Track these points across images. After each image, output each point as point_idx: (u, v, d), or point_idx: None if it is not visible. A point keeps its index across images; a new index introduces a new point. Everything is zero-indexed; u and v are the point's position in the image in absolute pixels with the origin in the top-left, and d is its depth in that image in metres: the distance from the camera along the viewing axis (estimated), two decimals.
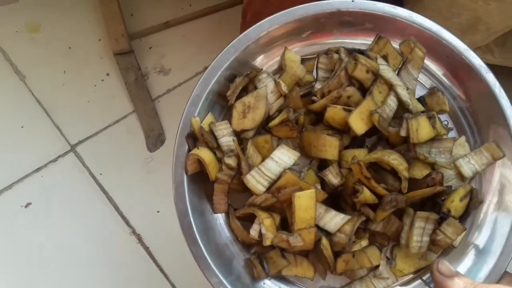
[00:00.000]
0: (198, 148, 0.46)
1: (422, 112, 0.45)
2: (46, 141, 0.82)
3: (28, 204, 0.76)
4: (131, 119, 0.84)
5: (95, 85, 0.88)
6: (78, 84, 0.88)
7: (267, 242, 0.43)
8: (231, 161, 0.44)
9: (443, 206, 0.45)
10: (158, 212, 0.76)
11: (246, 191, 0.44)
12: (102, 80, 0.88)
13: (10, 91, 0.86)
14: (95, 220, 0.75)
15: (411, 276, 0.46)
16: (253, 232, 0.44)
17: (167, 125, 0.84)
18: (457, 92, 0.48)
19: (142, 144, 0.82)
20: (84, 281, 0.71)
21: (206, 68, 0.93)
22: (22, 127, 0.83)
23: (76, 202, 0.77)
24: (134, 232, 0.75)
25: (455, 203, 0.45)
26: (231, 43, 0.46)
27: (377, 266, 0.45)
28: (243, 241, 0.46)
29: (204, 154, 0.45)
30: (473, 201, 0.46)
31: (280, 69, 0.48)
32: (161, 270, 0.72)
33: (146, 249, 0.73)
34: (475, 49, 0.79)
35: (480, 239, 0.47)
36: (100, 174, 0.79)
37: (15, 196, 0.77)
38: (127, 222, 0.75)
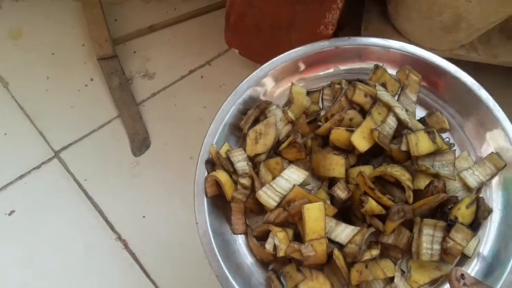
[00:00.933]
0: (215, 171, 0.49)
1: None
2: (29, 148, 0.81)
3: (11, 212, 0.75)
4: (116, 124, 0.84)
5: (78, 90, 0.87)
6: (62, 90, 0.87)
7: (280, 253, 0.45)
8: (245, 181, 0.49)
9: (450, 214, 0.47)
10: (143, 217, 0.75)
11: (261, 212, 0.49)
12: (86, 85, 0.87)
13: None
14: (80, 226, 0.74)
15: (427, 287, 0.47)
16: (268, 245, 0.47)
17: (152, 129, 0.83)
18: (454, 110, 0.52)
19: (127, 149, 0.81)
20: (70, 287, 0.69)
21: (191, 71, 0.94)
22: (5, 134, 0.82)
23: (60, 208, 0.76)
24: (120, 237, 0.74)
25: (462, 211, 0.47)
26: (244, 80, 0.53)
27: (392, 279, 0.46)
28: (261, 259, 0.49)
29: (221, 175, 0.49)
30: (481, 209, 0.48)
31: (289, 102, 0.54)
32: (147, 275, 0.71)
33: (132, 254, 0.72)
34: (459, 47, 0.79)
35: (490, 250, 0.48)
36: (85, 180, 0.78)
37: None
38: (113, 228, 0.74)
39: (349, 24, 0.85)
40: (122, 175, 0.79)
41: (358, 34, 0.79)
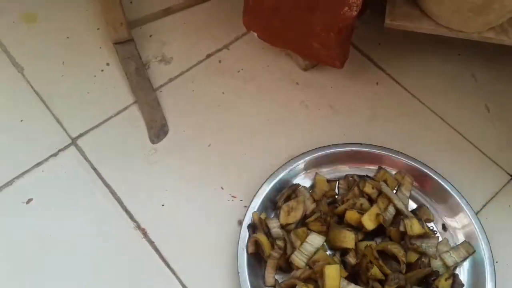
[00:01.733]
0: (256, 234, 0.68)
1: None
2: (46, 135, 0.80)
3: (29, 200, 0.74)
4: (133, 110, 0.82)
5: (95, 76, 0.85)
6: (78, 75, 0.85)
7: None
8: (280, 243, 0.67)
9: (433, 284, 0.66)
10: (162, 205, 0.74)
11: (288, 271, 0.68)
12: (102, 71, 0.86)
13: (8, 84, 0.84)
14: (98, 214, 0.74)
15: None
16: None
17: (170, 116, 0.82)
18: (437, 205, 0.74)
19: (144, 136, 0.80)
20: (88, 277, 0.69)
21: (208, 55, 0.92)
22: (21, 120, 0.81)
23: (78, 196, 0.75)
24: (138, 226, 0.73)
25: (442, 282, 0.66)
26: (280, 167, 0.75)
27: None
28: None
29: (261, 237, 0.67)
30: (456, 283, 0.66)
31: (313, 186, 0.74)
32: (167, 264, 0.70)
33: (151, 243, 0.72)
34: (488, 30, 0.76)
35: None
36: (102, 167, 0.77)
37: (16, 192, 0.75)
38: (131, 217, 0.73)
39: (373, 7, 0.82)
40: (140, 162, 0.78)
41: (383, 17, 0.76)
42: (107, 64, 0.86)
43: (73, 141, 0.79)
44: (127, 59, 0.85)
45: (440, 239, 0.71)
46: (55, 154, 0.78)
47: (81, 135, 0.80)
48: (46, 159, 0.78)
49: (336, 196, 0.74)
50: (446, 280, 0.66)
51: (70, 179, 0.76)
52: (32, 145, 0.79)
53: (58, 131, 0.80)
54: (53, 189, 0.75)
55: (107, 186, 0.76)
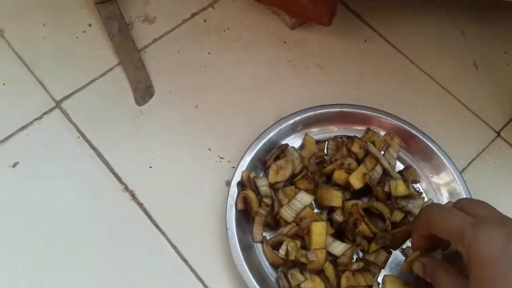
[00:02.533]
0: (245, 191, 0.69)
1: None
2: (29, 98, 0.78)
3: (15, 164, 0.74)
4: (117, 71, 0.81)
5: (77, 37, 0.83)
6: (59, 37, 0.83)
7: (291, 257, 0.63)
8: (268, 200, 0.68)
9: None
10: (150, 167, 0.74)
11: (275, 228, 0.69)
12: (84, 32, 0.84)
13: None
14: (86, 178, 0.73)
15: None
16: (282, 251, 0.65)
17: (155, 77, 0.80)
18: (424, 166, 0.75)
19: (130, 98, 0.79)
20: (78, 242, 0.69)
21: (193, 14, 0.90)
22: (4, 84, 0.79)
23: (65, 160, 0.74)
24: (127, 188, 0.73)
25: None
26: (268, 128, 0.74)
27: (371, 287, 0.65)
28: (273, 263, 0.68)
29: (250, 193, 0.68)
30: None
31: (302, 147, 0.75)
32: (156, 225, 0.71)
33: (140, 205, 0.72)
34: None
35: None
36: (88, 130, 0.76)
37: (2, 155, 0.74)
38: (119, 179, 0.73)
39: None
40: (126, 125, 0.77)
41: None
42: (89, 25, 0.84)
43: (58, 104, 0.78)
44: (110, 19, 0.82)
45: (426, 199, 0.71)
46: (39, 118, 0.77)
47: (65, 97, 0.79)
48: (31, 123, 0.77)
49: (325, 157, 0.74)
50: None
51: (55, 142, 0.75)
52: (16, 108, 0.77)
53: (41, 94, 0.79)
54: (39, 152, 0.75)
55: (94, 148, 0.75)
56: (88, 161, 0.74)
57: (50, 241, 0.70)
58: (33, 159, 0.74)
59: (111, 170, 0.74)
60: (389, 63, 0.84)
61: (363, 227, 0.66)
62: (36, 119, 0.77)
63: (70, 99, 0.78)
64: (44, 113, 0.77)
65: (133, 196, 0.72)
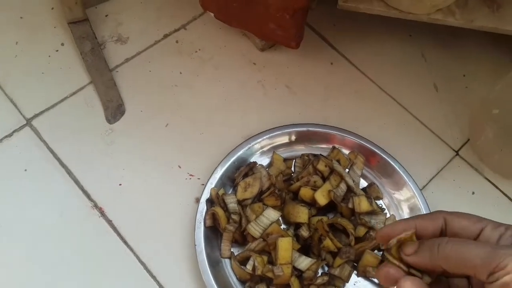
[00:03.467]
0: (214, 207, 0.70)
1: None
2: (0, 116, 0.79)
3: None
4: (89, 90, 0.82)
5: (49, 56, 0.84)
6: (32, 55, 0.84)
7: (258, 272, 0.65)
8: (236, 217, 0.70)
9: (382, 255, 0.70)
10: (120, 184, 0.75)
11: (243, 244, 0.70)
12: (57, 51, 0.85)
13: None
14: (55, 195, 0.74)
15: None
16: (249, 266, 0.66)
17: (126, 96, 0.82)
18: (386, 183, 0.78)
19: (101, 116, 0.80)
20: (46, 258, 0.69)
21: (165, 35, 0.92)
22: None
23: (34, 177, 0.75)
24: (96, 205, 0.73)
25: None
26: (238, 146, 0.77)
27: None
28: (240, 278, 0.69)
29: (219, 210, 0.70)
30: None
31: (270, 164, 0.77)
32: (125, 242, 0.71)
33: (109, 222, 0.73)
34: (436, 11, 0.79)
35: None
36: (58, 147, 0.77)
37: None
38: (88, 196, 0.74)
39: None
40: (96, 142, 0.78)
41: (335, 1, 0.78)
42: (62, 44, 0.85)
43: (28, 122, 0.79)
44: (82, 39, 0.84)
45: (388, 215, 0.74)
46: (9, 135, 0.77)
47: (36, 115, 0.79)
48: (0, 140, 0.77)
49: (292, 174, 0.77)
50: None
51: (25, 160, 0.76)
52: None
53: (12, 111, 0.79)
54: (9, 170, 0.75)
55: (63, 166, 0.76)
56: (58, 178, 0.75)
57: (16, 258, 0.69)
58: (2, 176, 0.74)
59: (81, 187, 0.74)
60: (354, 84, 0.87)
61: (327, 242, 0.68)
62: (6, 136, 0.77)
63: (41, 116, 0.79)
64: (14, 131, 0.78)
65: (102, 213, 0.73)
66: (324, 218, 0.70)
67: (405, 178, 0.75)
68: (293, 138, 0.79)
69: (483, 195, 0.79)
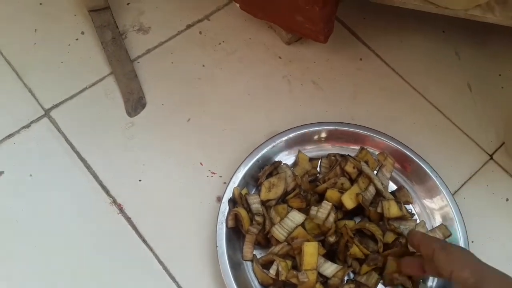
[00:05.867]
0: (237, 208, 0.67)
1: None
2: (18, 106, 0.77)
3: (0, 173, 0.72)
4: (109, 81, 0.79)
5: (69, 45, 0.82)
6: (51, 44, 0.82)
7: (282, 277, 0.62)
8: (259, 218, 0.67)
9: None
10: (140, 181, 0.73)
11: (266, 246, 0.68)
12: (77, 39, 0.82)
13: None
14: (73, 189, 0.72)
15: None
16: (272, 271, 0.63)
17: (147, 88, 0.79)
18: (417, 188, 0.74)
19: (121, 109, 0.77)
20: (64, 254, 0.68)
21: (188, 26, 0.89)
22: None
23: (52, 170, 0.72)
24: (115, 202, 0.71)
25: None
26: (262, 144, 0.73)
27: None
28: (262, 282, 0.66)
29: (242, 211, 0.67)
30: None
31: (295, 164, 0.74)
32: (144, 240, 0.69)
33: (128, 219, 0.70)
34: (475, 7, 0.75)
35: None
36: (77, 140, 0.75)
37: None
38: (107, 192, 0.72)
39: None
40: (116, 136, 0.76)
41: None
42: (82, 33, 0.83)
43: (46, 113, 0.76)
44: (103, 28, 0.81)
45: (418, 221, 0.71)
46: (27, 126, 0.75)
47: (54, 106, 0.77)
48: (18, 131, 0.75)
49: (318, 175, 0.74)
50: None
51: (43, 152, 0.74)
52: (3, 116, 0.76)
53: (30, 102, 0.77)
54: (26, 161, 0.73)
55: (82, 160, 0.73)
56: (76, 172, 0.73)
57: (33, 254, 0.68)
58: (19, 168, 0.72)
59: (99, 182, 0.72)
60: (383, 81, 0.84)
61: (354, 249, 0.65)
62: (23, 127, 0.75)
63: (60, 108, 0.77)
64: (32, 122, 0.76)
65: (121, 209, 0.71)
66: (350, 223, 0.68)
67: (438, 184, 0.71)
68: (320, 136, 0.75)
69: None
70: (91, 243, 0.69)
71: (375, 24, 0.88)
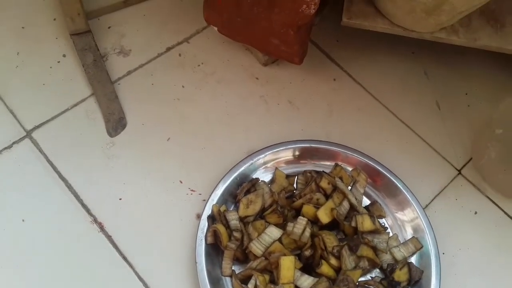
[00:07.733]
0: (215, 224, 0.69)
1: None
2: None
3: None
4: (90, 102, 0.81)
5: (50, 67, 0.84)
6: (33, 66, 0.83)
7: None
8: (237, 234, 0.69)
9: (391, 277, 0.70)
10: (120, 199, 0.74)
11: (244, 262, 0.70)
12: (58, 62, 0.84)
13: None
14: (54, 209, 0.73)
15: None
16: (250, 285, 0.66)
17: (128, 109, 0.81)
18: (389, 202, 0.77)
19: (102, 129, 0.79)
20: (44, 273, 0.68)
21: (168, 49, 0.92)
22: None
23: (33, 190, 0.74)
24: (95, 220, 0.72)
25: (398, 273, 0.70)
26: (240, 161, 0.76)
27: None
28: None
29: (220, 227, 0.69)
30: (413, 271, 0.70)
31: (273, 181, 0.77)
32: (125, 258, 0.70)
33: (109, 237, 0.71)
34: (440, 30, 0.79)
35: None
36: (58, 160, 0.76)
37: None
38: (88, 211, 0.73)
39: (332, 4, 0.83)
40: (97, 155, 0.77)
41: (341, 15, 0.78)
42: (64, 56, 0.85)
43: (28, 134, 0.78)
44: (85, 51, 0.83)
45: (391, 234, 0.74)
46: (9, 147, 0.76)
47: (36, 127, 0.78)
48: (0, 152, 0.76)
49: (294, 191, 0.76)
50: (401, 269, 0.69)
51: (24, 173, 0.75)
52: None
53: (12, 123, 0.78)
54: (7, 182, 0.74)
55: (63, 179, 0.75)
56: (57, 192, 0.74)
57: (11, 272, 0.68)
58: (0, 189, 0.73)
59: (80, 201, 0.73)
60: (356, 101, 0.87)
61: (324, 267, 0.67)
62: (5, 148, 0.76)
63: (41, 128, 0.78)
64: (14, 143, 0.77)
65: (101, 228, 0.72)
66: (323, 234, 0.69)
67: (409, 198, 0.74)
68: (296, 154, 0.78)
69: (485, 214, 0.79)
70: (71, 261, 0.70)
71: (347, 46, 0.91)
